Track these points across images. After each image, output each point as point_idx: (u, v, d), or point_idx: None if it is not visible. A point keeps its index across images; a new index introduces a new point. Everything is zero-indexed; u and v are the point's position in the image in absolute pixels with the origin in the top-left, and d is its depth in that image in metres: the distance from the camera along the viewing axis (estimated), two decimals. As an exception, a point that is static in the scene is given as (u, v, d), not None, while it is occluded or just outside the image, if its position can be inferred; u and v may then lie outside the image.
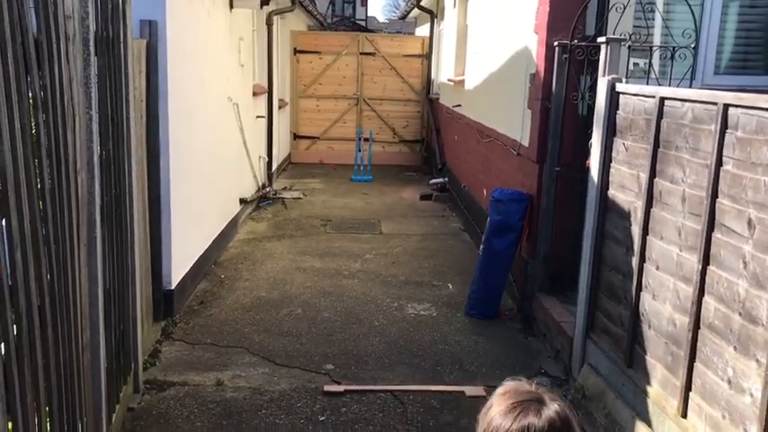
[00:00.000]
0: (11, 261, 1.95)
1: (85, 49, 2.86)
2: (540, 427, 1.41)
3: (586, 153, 4.62)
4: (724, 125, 2.95)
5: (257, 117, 9.50)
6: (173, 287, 5.34)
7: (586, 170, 4.46)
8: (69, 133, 2.60)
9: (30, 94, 2.20)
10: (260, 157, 9.88)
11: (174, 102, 5.12)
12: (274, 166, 11.02)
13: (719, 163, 2.98)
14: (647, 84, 4.58)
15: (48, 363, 2.28)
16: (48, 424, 2.41)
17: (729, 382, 2.88)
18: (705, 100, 3.12)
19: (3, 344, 1.87)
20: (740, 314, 2.82)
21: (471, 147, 8.71)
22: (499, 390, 1.50)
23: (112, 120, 3.49)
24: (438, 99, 12.38)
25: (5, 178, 1.93)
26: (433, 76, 13.40)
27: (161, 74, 4.91)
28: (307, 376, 4.56)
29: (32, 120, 2.26)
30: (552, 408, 1.44)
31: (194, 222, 6.06)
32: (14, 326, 1.99)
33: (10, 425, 2.02)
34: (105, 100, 3.34)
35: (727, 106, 2.94)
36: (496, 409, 1.46)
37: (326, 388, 4.37)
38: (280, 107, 11.74)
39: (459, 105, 9.61)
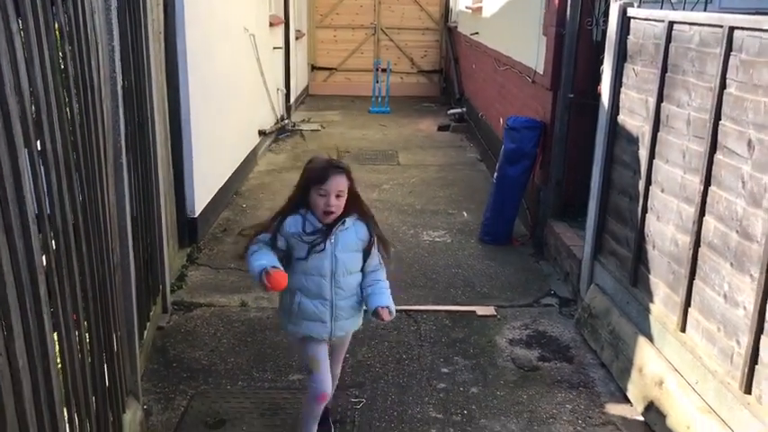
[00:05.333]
0: (47, 181, 2.12)
1: (105, -19, 2.95)
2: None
3: (599, 79, 4.66)
4: (729, 48, 3.00)
5: (274, 48, 9.51)
6: (196, 215, 5.55)
7: (598, 96, 4.51)
8: (94, 63, 2.72)
9: (56, 25, 2.32)
10: (278, 89, 9.94)
11: (191, 32, 5.20)
12: (292, 98, 11.08)
13: (723, 86, 3.05)
14: (662, 9, 4.56)
15: (84, 276, 2.47)
16: (87, 335, 2.62)
17: (725, 296, 3.02)
18: (712, 23, 3.15)
19: (44, 255, 2.06)
20: (737, 232, 2.94)
21: (488, 76, 8.69)
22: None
23: (133, 50, 3.61)
24: (456, 27, 12.24)
25: (39, 105, 2.07)
26: (451, 3, 13.20)
27: (178, 4, 4.98)
28: (326, 298, 4.78)
29: (59, 50, 2.39)
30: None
31: (215, 152, 6.22)
32: (53, 240, 2.17)
33: (55, 335, 2.23)
34: (125, 31, 3.45)
35: (732, 29, 2.98)
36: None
37: (344, 308, 4.59)
38: (297, 38, 11.71)
39: (477, 33, 9.53)
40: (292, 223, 2.84)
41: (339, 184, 2.77)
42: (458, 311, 4.58)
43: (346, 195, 2.81)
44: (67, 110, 2.41)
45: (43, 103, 2.10)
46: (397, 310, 4.57)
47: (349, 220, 2.86)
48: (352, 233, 2.89)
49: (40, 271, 2.01)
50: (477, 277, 5.18)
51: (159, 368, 3.87)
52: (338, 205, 2.78)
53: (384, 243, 3.03)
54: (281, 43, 10.08)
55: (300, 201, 2.84)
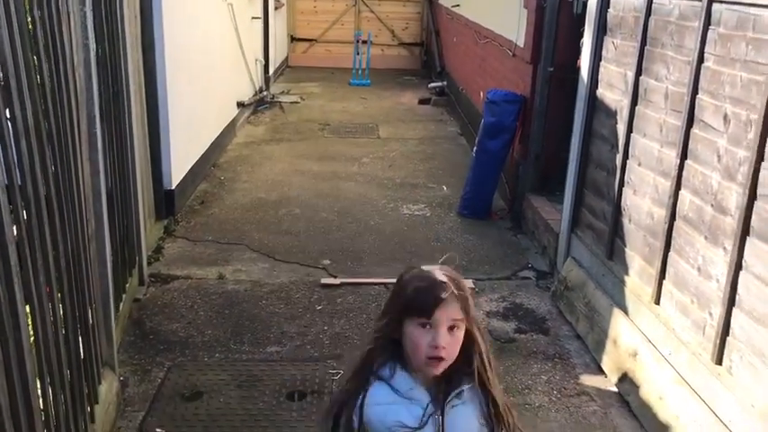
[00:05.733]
0: (17, 150, 2.07)
1: (75, -55, 2.87)
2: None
3: (579, 53, 4.64)
4: (707, 21, 3.00)
5: (253, 18, 9.36)
6: (173, 187, 5.49)
7: (578, 70, 4.51)
8: (65, 30, 2.66)
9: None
10: (256, 60, 9.81)
11: (167, 0, 5.10)
12: (271, 70, 10.94)
13: (701, 59, 3.05)
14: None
15: (57, 248, 2.44)
16: (60, 307, 2.60)
17: (699, 269, 3.06)
18: (691, -4, 3.15)
19: (15, 226, 2.02)
20: (712, 206, 2.96)
21: (469, 49, 8.64)
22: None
23: (106, 18, 3.53)
24: None
25: (7, 71, 2.02)
26: (432, -25, 13.08)
27: (153, -28, 4.87)
28: (305, 270, 4.78)
29: (28, 16, 2.33)
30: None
31: (192, 124, 6.14)
32: (24, 211, 2.13)
33: (27, 308, 2.20)
34: (98, -2, 3.37)
35: (711, 2, 2.97)
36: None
37: (323, 281, 4.60)
38: (276, 8, 11.53)
39: (458, 6, 9.46)
40: (381, 413, 1.63)
41: (455, 309, 1.61)
42: (436, 284, 4.59)
43: (464, 329, 1.64)
44: (38, 77, 2.36)
45: (11, 68, 2.05)
46: (375, 284, 4.63)
47: (468, 391, 1.66)
48: (471, 410, 1.67)
49: (11, 242, 1.97)
50: (455, 250, 5.19)
51: (136, 340, 3.85)
52: (451, 346, 1.61)
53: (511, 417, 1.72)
54: (259, 13, 9.92)
55: (386, 340, 1.67)
